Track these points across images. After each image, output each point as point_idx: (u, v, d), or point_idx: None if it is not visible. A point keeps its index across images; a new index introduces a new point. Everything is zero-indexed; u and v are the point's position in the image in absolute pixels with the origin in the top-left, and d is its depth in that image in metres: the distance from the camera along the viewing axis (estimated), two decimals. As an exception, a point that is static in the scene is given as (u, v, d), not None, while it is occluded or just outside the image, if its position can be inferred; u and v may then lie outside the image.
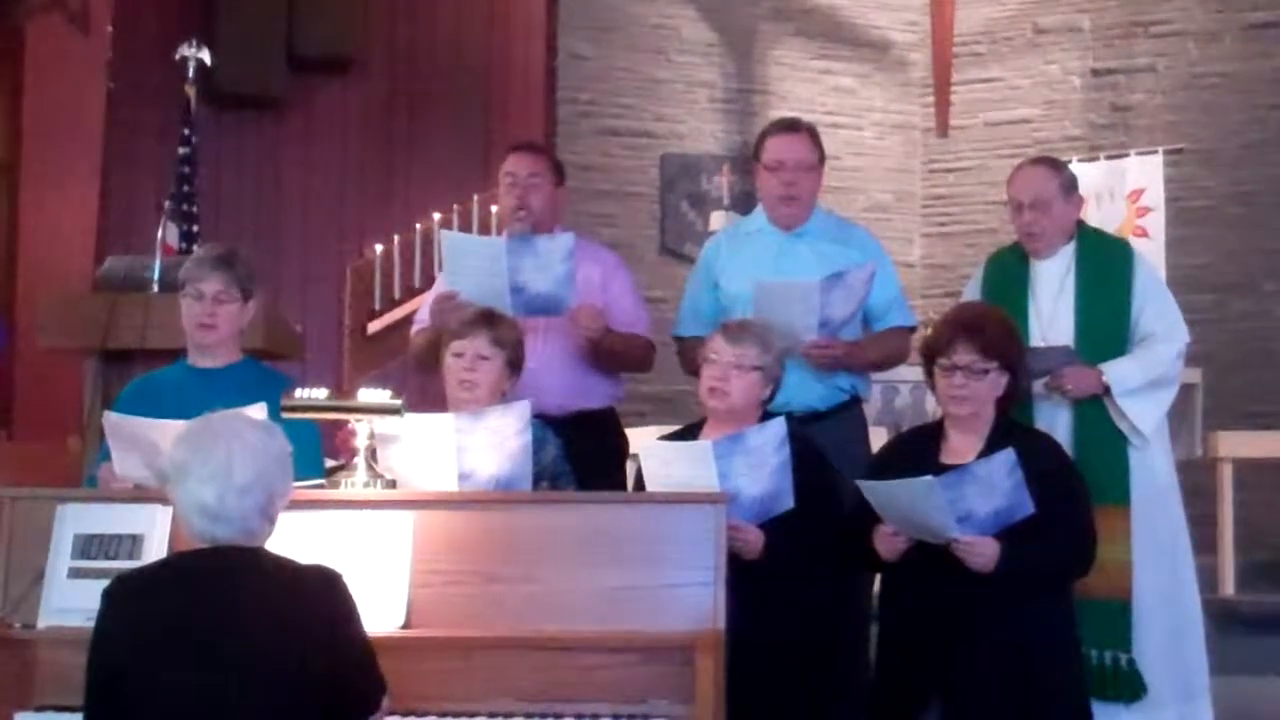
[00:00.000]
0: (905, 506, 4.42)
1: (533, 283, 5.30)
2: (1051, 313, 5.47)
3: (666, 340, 5.85)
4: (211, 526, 3.52)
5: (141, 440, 4.40)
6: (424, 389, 5.34)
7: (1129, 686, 5.25)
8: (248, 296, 4.98)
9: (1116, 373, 5.34)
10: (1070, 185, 5.57)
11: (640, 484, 4.70)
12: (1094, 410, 5.37)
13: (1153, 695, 5.28)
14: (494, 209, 9.79)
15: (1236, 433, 8.40)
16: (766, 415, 4.84)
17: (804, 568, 4.66)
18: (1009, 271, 5.61)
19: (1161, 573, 5.38)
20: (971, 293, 5.68)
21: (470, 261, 5.41)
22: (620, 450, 5.78)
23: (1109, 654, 5.23)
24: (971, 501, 4.34)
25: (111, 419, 4.60)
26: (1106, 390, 5.34)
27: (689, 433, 4.95)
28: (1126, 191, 10.37)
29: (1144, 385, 5.37)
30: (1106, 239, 5.83)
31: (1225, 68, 10.59)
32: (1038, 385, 5.34)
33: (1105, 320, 5.44)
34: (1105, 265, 5.51)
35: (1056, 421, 5.33)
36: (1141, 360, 5.39)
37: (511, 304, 5.22)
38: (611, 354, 5.61)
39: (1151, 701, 5.28)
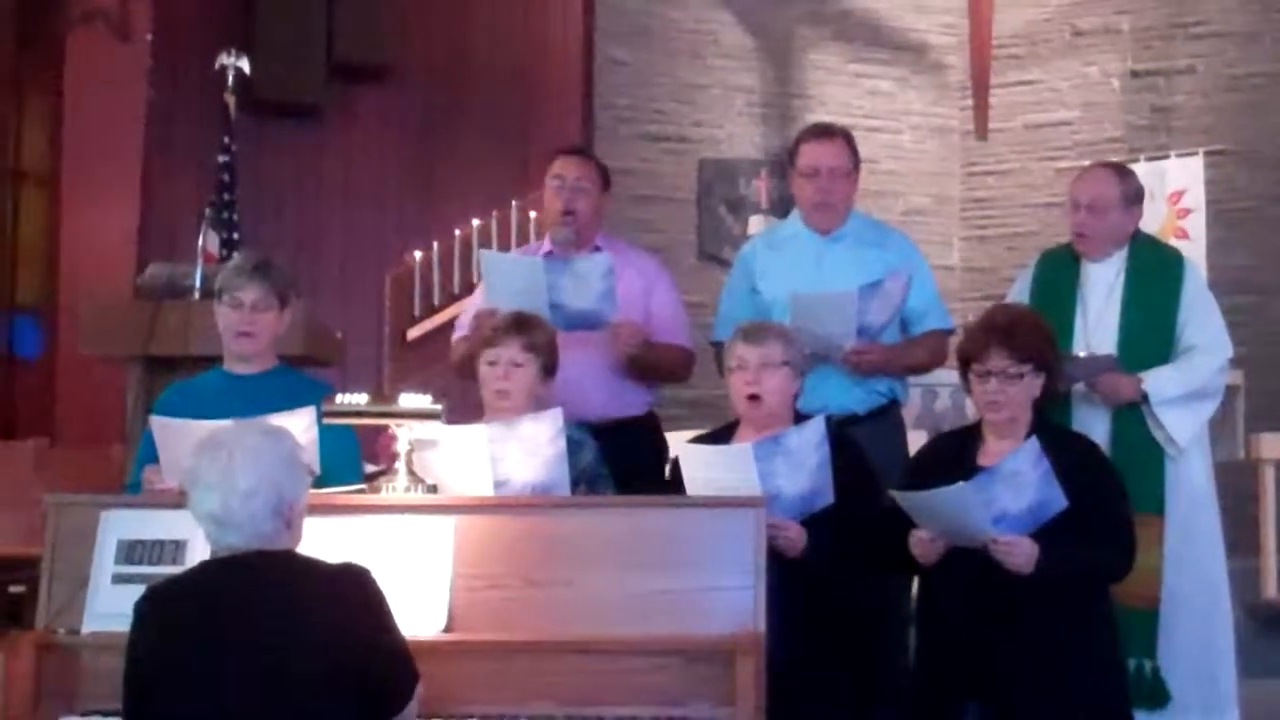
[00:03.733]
0: (940, 513, 4.42)
1: (572, 300, 5.34)
2: (1098, 316, 5.46)
3: (705, 345, 5.86)
4: (223, 534, 3.57)
5: (187, 441, 4.42)
6: (467, 394, 5.35)
7: (1152, 694, 5.23)
8: (284, 304, 5.01)
9: (1156, 382, 5.33)
10: (1133, 196, 5.55)
11: (678, 486, 4.70)
12: (1132, 418, 5.36)
13: (1176, 704, 5.27)
14: (533, 215, 9.84)
15: (1278, 435, 8.36)
16: (799, 416, 4.85)
17: (846, 564, 4.66)
18: (1060, 271, 5.60)
19: (1194, 583, 5.36)
20: (1021, 288, 5.67)
21: (509, 281, 5.44)
22: (662, 454, 5.80)
23: (1134, 661, 5.20)
24: (1004, 501, 4.34)
25: (157, 421, 4.64)
26: (1144, 398, 5.32)
27: (722, 434, 4.95)
28: (1167, 193, 10.31)
29: (1182, 396, 5.35)
30: (1160, 249, 5.81)
31: (1265, 68, 10.54)
32: (1077, 389, 5.33)
33: (1150, 328, 5.42)
34: (1156, 274, 5.50)
35: (1094, 427, 5.31)
36: (1182, 371, 5.37)
37: (551, 320, 5.23)
38: (650, 367, 5.63)
39: (1174, 710, 5.26)
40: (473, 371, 5.31)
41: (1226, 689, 5.42)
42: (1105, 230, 5.50)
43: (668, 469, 5.11)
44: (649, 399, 5.79)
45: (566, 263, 5.43)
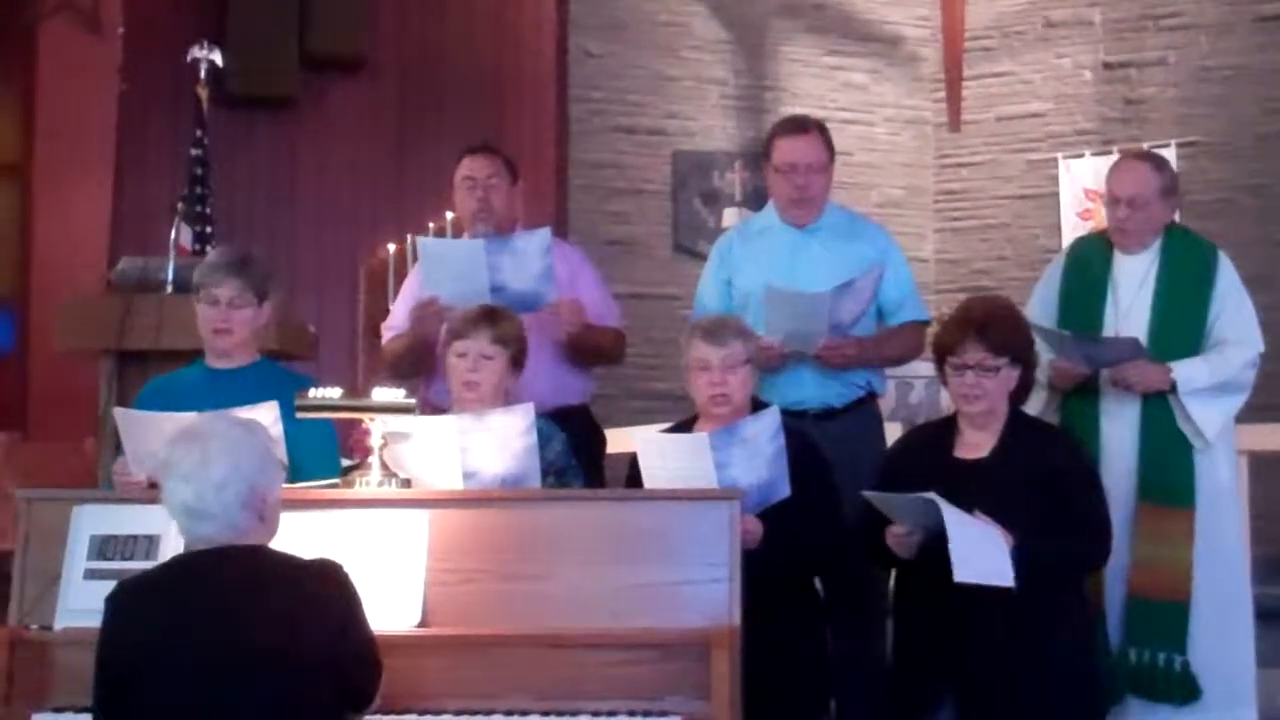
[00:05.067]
0: (913, 514, 4.42)
1: (513, 280, 5.32)
2: (1129, 306, 5.41)
3: (672, 337, 5.84)
4: (196, 524, 3.56)
5: (152, 434, 4.42)
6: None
7: (1181, 689, 5.19)
8: (262, 299, 4.99)
9: (1185, 371, 5.28)
10: (1171, 187, 5.51)
11: (635, 478, 4.69)
12: (1161, 411, 5.31)
13: (1201, 698, 5.25)
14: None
15: (1253, 425, 8.32)
16: (760, 407, 4.85)
17: (801, 560, 4.69)
18: (1093, 260, 5.54)
19: (1218, 577, 5.32)
20: (1051, 278, 5.61)
21: (449, 266, 5.42)
22: (599, 446, 5.79)
23: (1163, 655, 5.18)
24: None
25: (121, 413, 4.62)
26: (1173, 387, 5.30)
27: (682, 429, 4.95)
28: (1139, 185, 10.32)
29: (1210, 387, 5.30)
30: (1194, 240, 5.73)
31: (1237, 60, 10.55)
32: (1104, 376, 5.31)
33: (1181, 320, 5.38)
34: (1189, 266, 5.45)
35: (1123, 418, 5.30)
36: (1211, 362, 5.32)
37: (492, 302, 5.22)
38: (589, 347, 5.63)
39: (1197, 705, 5.24)
40: (411, 370, 5.32)
41: (1246, 684, 5.38)
42: (1146, 224, 5.45)
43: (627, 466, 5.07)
44: (588, 388, 5.80)
45: (505, 241, 5.41)
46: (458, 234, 9.64)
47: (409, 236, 9.92)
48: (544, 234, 5.43)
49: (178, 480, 3.56)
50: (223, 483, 3.53)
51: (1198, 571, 5.24)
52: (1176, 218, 5.64)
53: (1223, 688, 5.29)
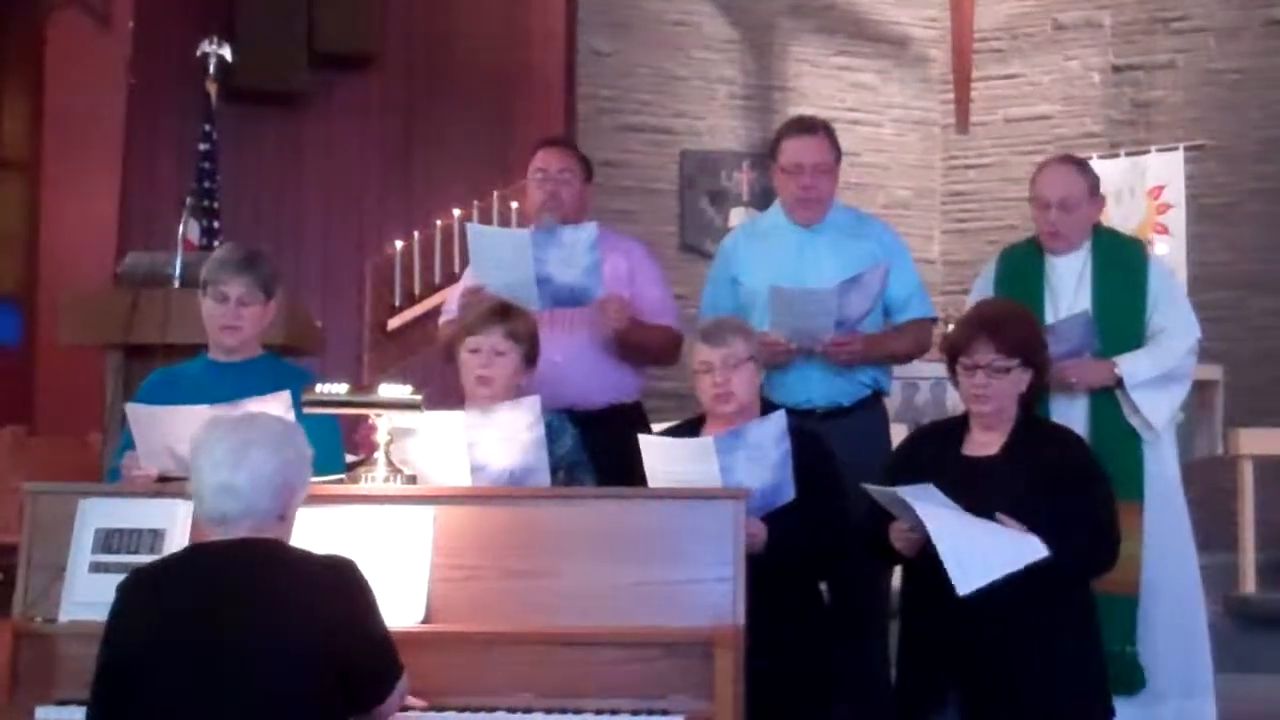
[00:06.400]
0: (906, 509, 4.43)
1: (559, 274, 5.30)
2: (1069, 308, 5.47)
3: (688, 336, 5.85)
4: (222, 504, 3.52)
5: (164, 428, 4.42)
6: (449, 383, 5.34)
7: (1128, 678, 5.24)
8: (270, 296, 4.99)
9: (1129, 365, 5.37)
10: (1095, 186, 5.59)
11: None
12: (1109, 405, 5.38)
13: (1153, 689, 5.29)
14: (514, 205, 9.83)
15: (1257, 430, 8.38)
16: (768, 407, 4.84)
17: (806, 561, 4.68)
18: (1025, 266, 5.61)
19: (1168, 568, 5.39)
20: (983, 287, 5.67)
21: (496, 254, 5.41)
22: None
23: (1113, 646, 5.22)
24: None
25: (134, 408, 4.62)
26: (1119, 382, 5.35)
27: (689, 428, 4.94)
28: (1147, 188, 10.34)
29: (1155, 378, 5.39)
30: (1121, 238, 5.87)
31: (1246, 63, 10.56)
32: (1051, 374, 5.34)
33: (1121, 317, 5.45)
34: (1121, 263, 5.54)
35: (1071, 415, 5.33)
36: (1153, 354, 5.41)
37: (538, 295, 5.23)
38: (638, 346, 5.61)
39: (1152, 695, 5.29)
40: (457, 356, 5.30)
41: (1203, 674, 5.45)
42: (1077, 225, 5.52)
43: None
44: (640, 385, 5.77)
45: (552, 233, 5.37)
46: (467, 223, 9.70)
47: (455, 217, 9.98)
48: (591, 229, 5.40)
49: (218, 455, 3.54)
50: (259, 467, 3.53)
51: (1148, 564, 5.30)
52: (1102, 219, 5.68)
53: (1177, 679, 5.36)
